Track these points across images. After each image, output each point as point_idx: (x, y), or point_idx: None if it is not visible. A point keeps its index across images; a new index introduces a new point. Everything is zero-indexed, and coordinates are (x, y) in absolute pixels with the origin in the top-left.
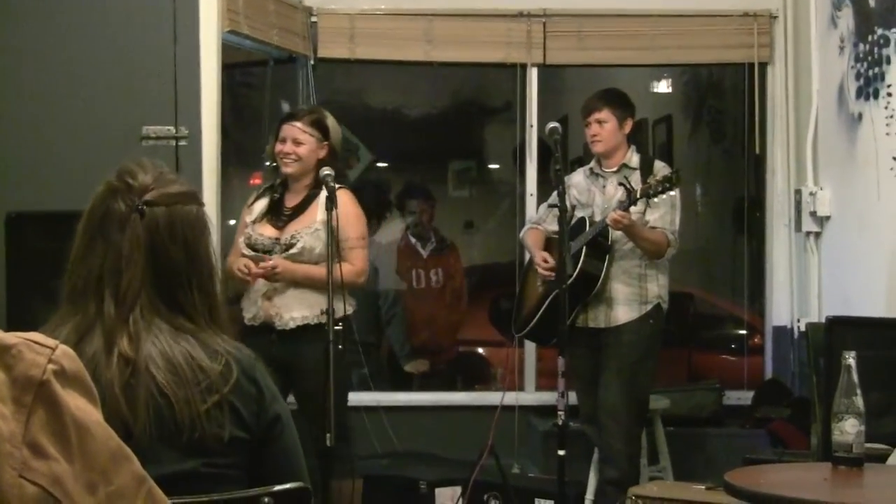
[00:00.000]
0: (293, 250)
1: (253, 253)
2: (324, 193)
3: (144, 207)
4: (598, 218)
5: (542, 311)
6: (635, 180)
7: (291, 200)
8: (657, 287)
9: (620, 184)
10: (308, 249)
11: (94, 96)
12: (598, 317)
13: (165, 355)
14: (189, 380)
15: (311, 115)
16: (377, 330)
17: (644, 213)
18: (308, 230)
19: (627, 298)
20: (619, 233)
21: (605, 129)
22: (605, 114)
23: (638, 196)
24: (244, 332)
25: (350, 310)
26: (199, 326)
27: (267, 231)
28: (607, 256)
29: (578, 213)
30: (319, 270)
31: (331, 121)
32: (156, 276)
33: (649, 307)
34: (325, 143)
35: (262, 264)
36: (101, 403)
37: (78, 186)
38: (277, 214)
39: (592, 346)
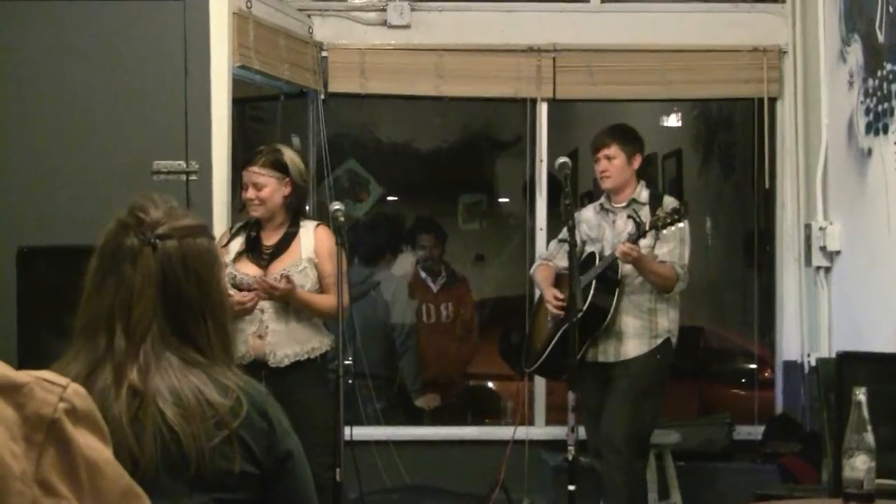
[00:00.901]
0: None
1: (239, 292)
2: (303, 230)
3: (157, 241)
4: (608, 253)
5: (552, 346)
6: (644, 215)
7: (269, 238)
8: (667, 321)
9: (630, 217)
10: (299, 287)
11: (106, 131)
12: (607, 350)
13: (174, 390)
14: (197, 415)
15: (267, 155)
16: (390, 364)
17: (653, 247)
18: (296, 268)
19: (637, 332)
20: (628, 267)
21: (613, 164)
22: (613, 150)
23: (647, 228)
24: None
25: (331, 345)
26: (210, 359)
27: (250, 269)
28: (617, 290)
29: (589, 248)
30: (317, 297)
31: (288, 155)
32: (167, 309)
33: (659, 341)
34: (287, 178)
35: (271, 281)
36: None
37: (89, 221)
38: (257, 253)
39: (601, 380)
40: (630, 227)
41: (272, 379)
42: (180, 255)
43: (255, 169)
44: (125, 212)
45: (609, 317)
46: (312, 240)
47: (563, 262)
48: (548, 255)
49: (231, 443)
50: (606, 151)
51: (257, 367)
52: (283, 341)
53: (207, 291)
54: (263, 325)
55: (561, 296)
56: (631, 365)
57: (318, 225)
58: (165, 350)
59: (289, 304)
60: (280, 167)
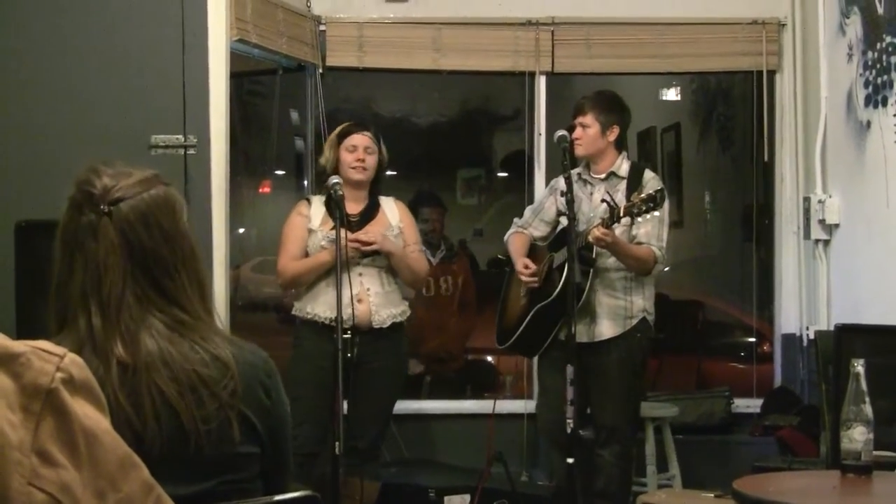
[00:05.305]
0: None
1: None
2: (383, 202)
3: (110, 208)
4: (582, 227)
5: (525, 323)
6: (622, 190)
7: (351, 209)
8: (643, 300)
9: (604, 200)
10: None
11: (103, 105)
12: (581, 331)
13: (165, 362)
14: (190, 393)
15: (369, 129)
16: None
17: (630, 227)
18: (390, 233)
19: (612, 312)
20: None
21: (587, 133)
22: (588, 118)
23: (621, 214)
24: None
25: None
26: (194, 318)
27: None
28: (591, 270)
29: (564, 221)
30: (409, 255)
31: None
32: (139, 272)
33: (635, 321)
34: (379, 153)
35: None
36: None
37: None
38: (343, 221)
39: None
40: (603, 209)
41: (365, 345)
42: (138, 214)
43: (369, 135)
44: (74, 189)
45: (584, 296)
46: (396, 210)
47: (537, 232)
48: (522, 223)
49: (230, 423)
50: (582, 119)
51: (352, 332)
52: (383, 302)
53: (174, 241)
54: (364, 288)
55: (532, 266)
56: (611, 349)
57: (394, 199)
58: (147, 315)
59: (388, 258)
60: (378, 141)
